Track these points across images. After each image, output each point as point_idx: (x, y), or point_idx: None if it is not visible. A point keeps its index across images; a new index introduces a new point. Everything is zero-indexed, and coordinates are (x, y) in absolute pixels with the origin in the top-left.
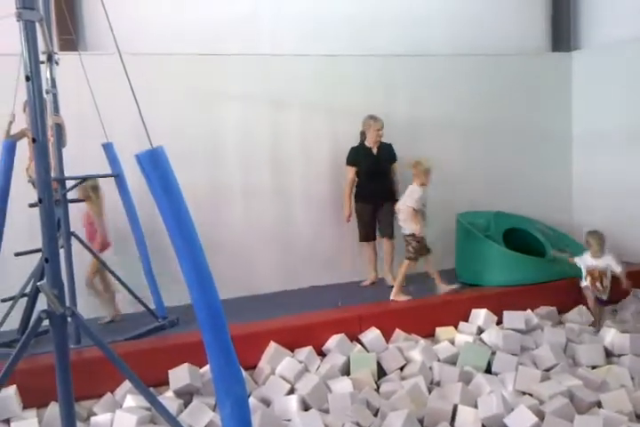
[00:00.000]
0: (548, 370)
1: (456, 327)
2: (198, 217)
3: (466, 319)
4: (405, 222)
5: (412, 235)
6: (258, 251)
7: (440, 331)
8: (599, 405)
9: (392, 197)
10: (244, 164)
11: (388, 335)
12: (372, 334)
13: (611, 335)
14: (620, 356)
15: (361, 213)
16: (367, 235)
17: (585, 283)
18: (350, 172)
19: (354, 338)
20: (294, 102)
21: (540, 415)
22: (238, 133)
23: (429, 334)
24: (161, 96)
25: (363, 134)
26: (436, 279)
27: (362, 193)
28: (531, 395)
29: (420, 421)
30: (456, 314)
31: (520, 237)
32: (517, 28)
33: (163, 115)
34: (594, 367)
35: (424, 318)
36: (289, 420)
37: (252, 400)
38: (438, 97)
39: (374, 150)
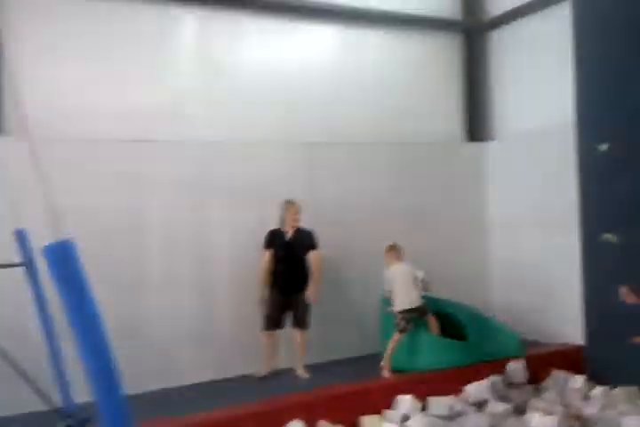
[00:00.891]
0: None
1: (381, 415)
2: (117, 306)
3: (391, 406)
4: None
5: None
6: (179, 341)
7: (365, 420)
8: None
9: (305, 287)
10: (167, 251)
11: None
12: None
13: (536, 419)
14: None
15: (270, 300)
16: (272, 324)
17: None
18: (265, 255)
19: None
20: (220, 189)
21: None
22: (162, 219)
23: (354, 424)
24: (82, 181)
25: (282, 219)
26: (386, 357)
27: (273, 280)
28: None
29: None
30: (382, 401)
31: (444, 320)
32: (436, 119)
33: (84, 200)
34: None
35: (350, 406)
36: None
37: None
38: (363, 183)
39: (288, 236)
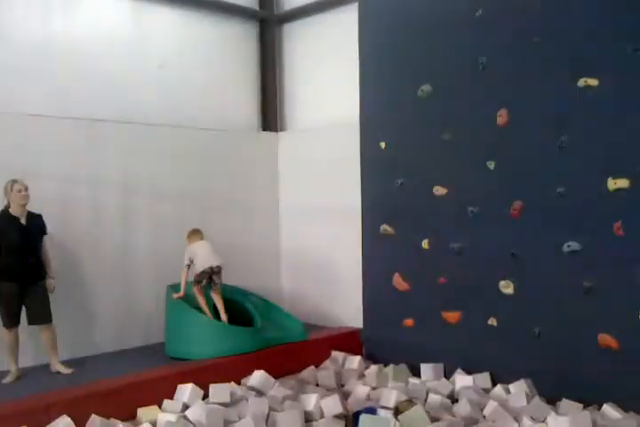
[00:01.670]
0: None
1: (161, 406)
2: None
3: (172, 396)
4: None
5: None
6: None
7: (142, 411)
8: None
9: (43, 276)
10: None
11: (82, 423)
12: (61, 424)
13: (313, 400)
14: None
15: (8, 294)
16: (13, 320)
17: None
18: None
19: None
20: None
21: None
22: None
23: (132, 416)
24: None
25: (9, 202)
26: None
27: (7, 271)
28: None
29: None
30: (162, 392)
31: (232, 307)
32: (232, 107)
33: None
34: None
35: (125, 399)
36: None
37: None
38: (151, 166)
39: (22, 220)
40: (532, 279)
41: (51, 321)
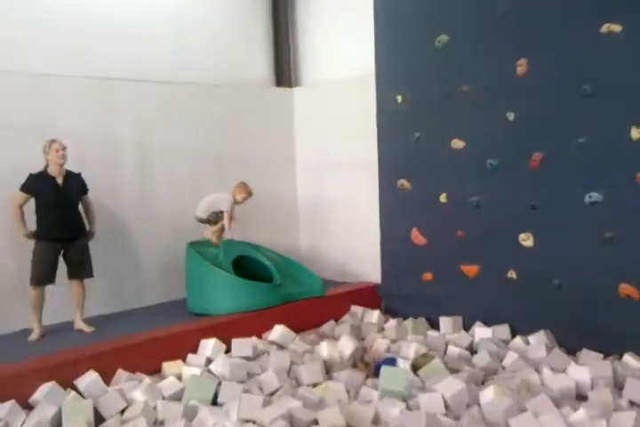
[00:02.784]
0: (271, 394)
1: (185, 360)
2: None
3: (195, 351)
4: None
5: None
6: None
7: (167, 366)
8: (317, 422)
9: (82, 234)
10: None
11: (109, 377)
12: (88, 379)
13: (325, 347)
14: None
15: (44, 253)
16: (47, 278)
17: None
18: (21, 198)
19: (69, 385)
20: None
21: None
22: None
23: (157, 371)
24: None
25: (47, 161)
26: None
27: (46, 230)
28: (254, 422)
29: None
30: (185, 346)
31: (250, 264)
32: (244, 62)
33: None
34: (315, 385)
35: (149, 354)
36: None
37: None
38: (167, 123)
39: (59, 180)
40: (552, 231)
41: (92, 275)
